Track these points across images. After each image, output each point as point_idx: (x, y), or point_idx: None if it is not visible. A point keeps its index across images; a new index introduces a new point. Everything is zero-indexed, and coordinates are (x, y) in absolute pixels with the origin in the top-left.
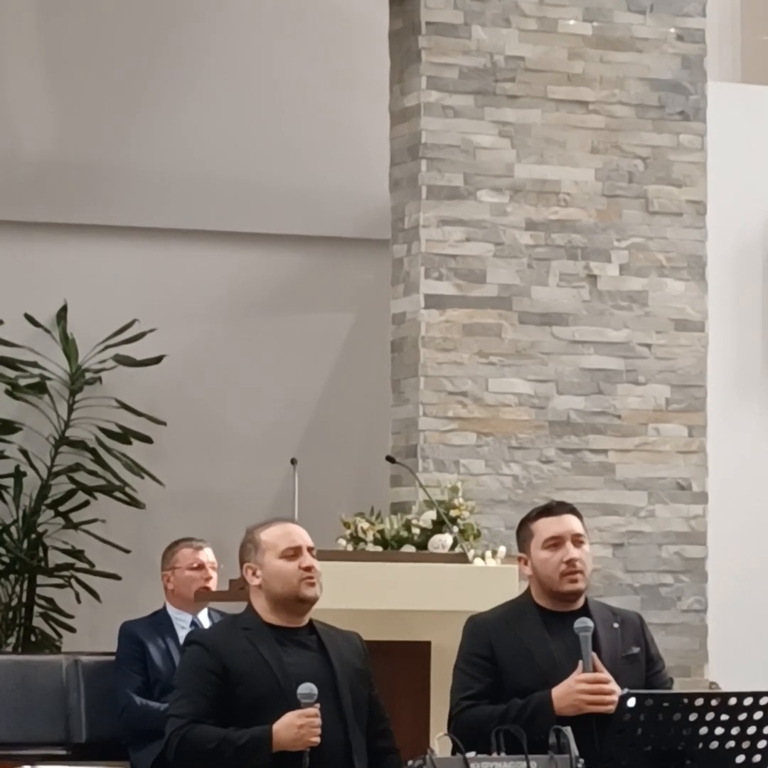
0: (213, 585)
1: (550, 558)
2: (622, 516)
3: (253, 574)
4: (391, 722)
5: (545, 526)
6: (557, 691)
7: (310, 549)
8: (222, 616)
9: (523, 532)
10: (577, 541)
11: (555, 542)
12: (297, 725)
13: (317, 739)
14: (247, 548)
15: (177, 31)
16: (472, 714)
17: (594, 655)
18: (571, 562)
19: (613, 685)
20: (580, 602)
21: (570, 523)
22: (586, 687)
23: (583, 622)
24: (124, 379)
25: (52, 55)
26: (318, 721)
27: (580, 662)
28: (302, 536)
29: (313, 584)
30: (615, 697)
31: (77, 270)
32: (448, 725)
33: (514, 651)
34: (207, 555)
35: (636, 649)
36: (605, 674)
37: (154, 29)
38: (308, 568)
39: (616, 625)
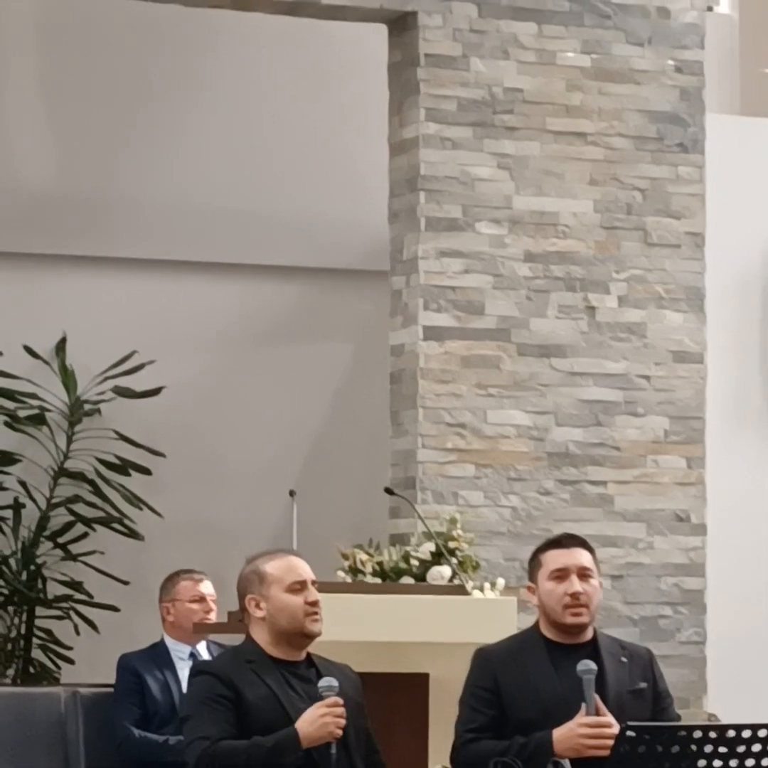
0: (214, 617)
1: (554, 589)
2: (621, 548)
3: (257, 606)
4: (381, 754)
5: (553, 558)
6: (558, 733)
7: (313, 582)
8: (221, 648)
9: (533, 562)
10: (583, 574)
11: (560, 574)
12: (319, 715)
13: (340, 732)
14: (251, 579)
15: (176, 64)
16: (474, 748)
17: (597, 697)
18: (574, 596)
19: (616, 729)
20: (589, 635)
21: (578, 556)
22: (588, 731)
23: (585, 665)
24: (123, 411)
25: (51, 86)
26: (340, 710)
27: (583, 705)
28: (306, 570)
29: (317, 620)
30: None
31: (76, 301)
32: (451, 757)
33: (519, 684)
34: (208, 587)
35: (643, 685)
36: (607, 718)
37: (153, 62)
38: (314, 603)
39: (624, 659)
